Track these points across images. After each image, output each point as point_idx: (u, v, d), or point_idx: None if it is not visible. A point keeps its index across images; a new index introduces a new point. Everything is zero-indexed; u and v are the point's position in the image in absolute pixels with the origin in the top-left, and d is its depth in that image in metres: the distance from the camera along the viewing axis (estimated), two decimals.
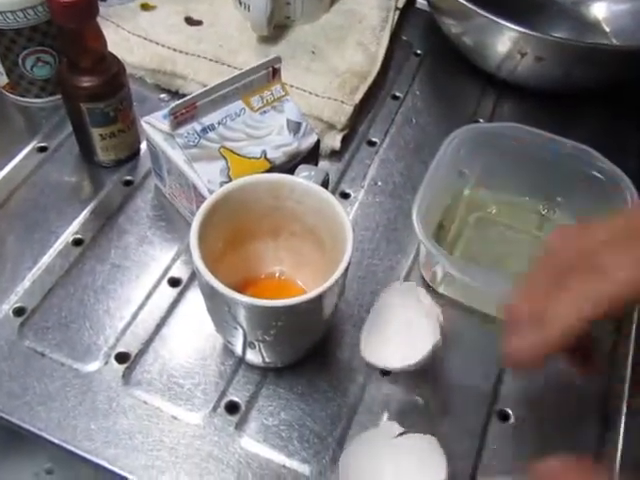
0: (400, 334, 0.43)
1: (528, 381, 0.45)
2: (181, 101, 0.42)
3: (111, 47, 0.58)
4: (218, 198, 0.38)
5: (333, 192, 0.54)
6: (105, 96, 0.48)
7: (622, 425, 0.42)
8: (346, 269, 0.36)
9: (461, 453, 0.41)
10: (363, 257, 0.50)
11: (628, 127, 0.62)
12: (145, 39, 0.59)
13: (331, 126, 0.56)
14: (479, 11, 0.53)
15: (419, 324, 0.42)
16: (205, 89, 0.43)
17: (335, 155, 0.57)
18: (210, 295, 0.36)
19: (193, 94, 0.43)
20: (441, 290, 0.48)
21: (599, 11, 0.67)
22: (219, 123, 0.45)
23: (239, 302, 0.34)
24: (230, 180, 0.44)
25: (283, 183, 0.40)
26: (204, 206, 0.37)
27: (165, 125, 0.44)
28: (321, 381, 0.44)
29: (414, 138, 0.59)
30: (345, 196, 0.54)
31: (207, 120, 0.44)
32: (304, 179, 0.41)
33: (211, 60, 0.58)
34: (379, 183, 0.55)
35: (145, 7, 0.62)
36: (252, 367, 0.44)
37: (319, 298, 0.35)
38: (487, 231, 0.53)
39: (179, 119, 0.43)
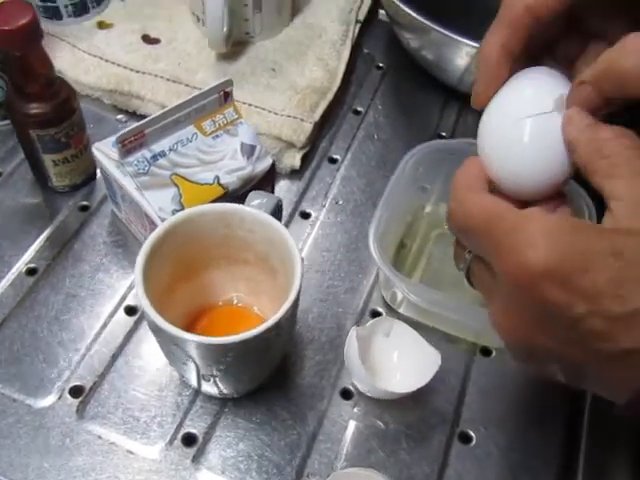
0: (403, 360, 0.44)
1: (490, 401, 0.45)
2: (128, 129, 0.41)
3: (66, 68, 0.58)
4: (164, 231, 0.37)
5: (293, 212, 0.54)
6: (55, 122, 0.47)
7: (583, 444, 0.42)
8: (295, 302, 0.36)
9: (422, 478, 0.41)
10: (324, 279, 0.50)
11: None
12: (101, 59, 0.58)
13: (290, 145, 0.55)
14: (434, 27, 0.53)
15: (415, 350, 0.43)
16: (154, 116, 0.42)
17: (295, 174, 0.56)
18: (156, 331, 0.36)
19: (141, 122, 0.42)
20: (401, 311, 0.48)
21: None
22: (170, 149, 0.44)
23: (183, 339, 0.34)
24: (182, 208, 0.43)
25: (233, 213, 0.39)
26: (149, 240, 0.36)
27: (115, 153, 0.43)
28: (280, 409, 0.43)
29: (376, 154, 0.58)
30: (306, 216, 0.54)
31: (157, 147, 0.43)
32: (255, 207, 0.40)
33: (168, 80, 0.57)
34: (340, 202, 0.55)
35: (101, 25, 0.61)
36: (210, 397, 0.43)
37: (266, 332, 0.34)
38: (449, 248, 0.52)
39: (127, 147, 0.42)
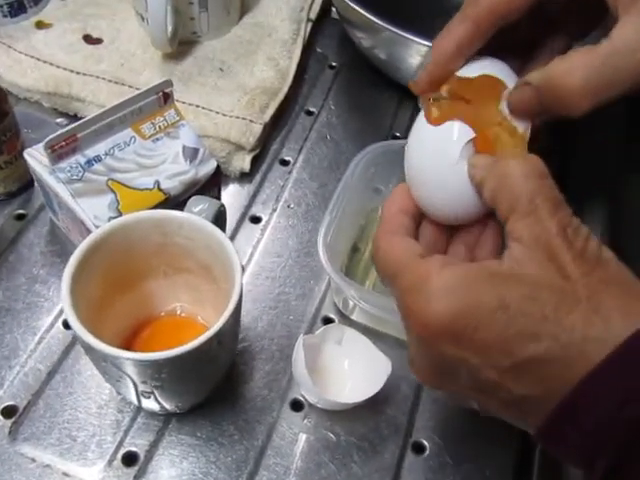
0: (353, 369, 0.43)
1: (444, 409, 0.43)
2: (58, 133, 0.39)
3: (2, 70, 0.55)
4: (94, 241, 0.35)
5: (243, 217, 0.52)
6: None
7: (537, 453, 0.41)
8: (234, 311, 0.34)
9: None
10: (274, 286, 0.48)
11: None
12: (39, 60, 0.55)
13: (239, 147, 0.53)
14: (385, 25, 0.52)
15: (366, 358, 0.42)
16: (86, 119, 0.40)
17: (245, 177, 0.54)
18: (85, 348, 0.34)
19: (72, 125, 0.40)
20: (354, 317, 0.47)
21: None
22: (106, 154, 0.42)
23: (113, 356, 0.32)
24: (120, 214, 0.41)
25: (170, 219, 0.37)
26: (76, 253, 0.34)
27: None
28: (227, 423, 0.41)
29: (329, 155, 0.57)
30: (256, 220, 0.52)
31: (92, 151, 0.41)
32: (195, 213, 0.38)
33: (111, 81, 0.55)
34: (292, 205, 0.53)
35: (40, 25, 0.58)
36: (152, 414, 0.41)
37: (204, 345, 0.33)
38: None
39: (58, 152, 0.40)
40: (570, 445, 0.26)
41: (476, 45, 0.31)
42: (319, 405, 0.41)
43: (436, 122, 0.31)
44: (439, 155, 0.30)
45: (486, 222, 0.31)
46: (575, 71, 0.28)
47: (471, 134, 0.30)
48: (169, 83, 0.43)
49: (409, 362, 0.30)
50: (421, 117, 0.32)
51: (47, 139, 0.39)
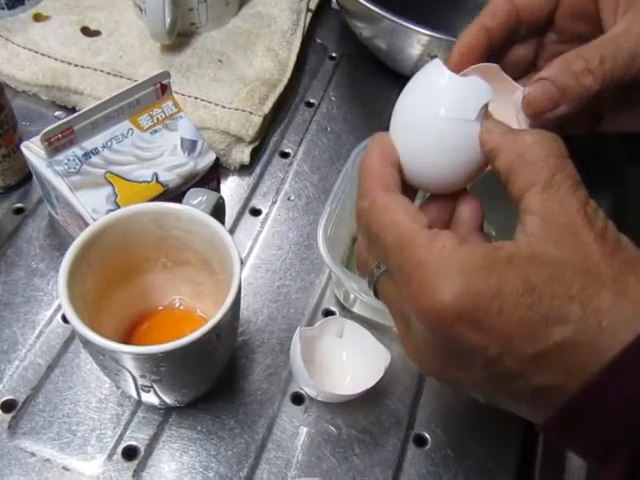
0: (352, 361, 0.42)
1: (446, 401, 0.43)
2: (55, 126, 0.39)
3: (0, 63, 0.55)
4: (90, 235, 0.35)
5: (243, 209, 0.52)
6: None
7: (540, 445, 0.41)
8: (233, 304, 0.34)
9: None
10: (274, 279, 0.48)
11: None
12: (37, 53, 0.55)
13: (239, 139, 0.53)
14: (386, 15, 0.51)
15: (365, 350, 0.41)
16: (82, 111, 0.40)
17: (245, 169, 0.54)
18: (83, 342, 0.33)
19: (68, 118, 0.39)
20: (355, 310, 0.46)
21: None
22: (104, 146, 0.41)
23: (110, 350, 0.31)
24: (118, 207, 0.41)
25: (168, 212, 0.37)
26: (73, 246, 0.34)
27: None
28: (228, 417, 0.41)
29: (329, 147, 0.56)
30: (256, 213, 0.52)
31: (89, 144, 0.41)
32: (194, 206, 0.38)
33: (109, 73, 0.54)
34: (292, 197, 0.53)
35: (38, 17, 0.58)
36: (152, 407, 0.41)
37: (203, 337, 0.32)
38: None
39: (55, 145, 0.39)
40: (578, 440, 0.25)
41: (498, 30, 0.31)
42: (319, 398, 0.41)
43: (458, 68, 0.29)
44: (454, 108, 0.27)
45: (459, 195, 0.30)
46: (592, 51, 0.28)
47: (492, 96, 0.28)
48: (167, 74, 0.43)
49: (402, 343, 0.28)
50: (437, 63, 0.29)
51: (43, 131, 0.38)
